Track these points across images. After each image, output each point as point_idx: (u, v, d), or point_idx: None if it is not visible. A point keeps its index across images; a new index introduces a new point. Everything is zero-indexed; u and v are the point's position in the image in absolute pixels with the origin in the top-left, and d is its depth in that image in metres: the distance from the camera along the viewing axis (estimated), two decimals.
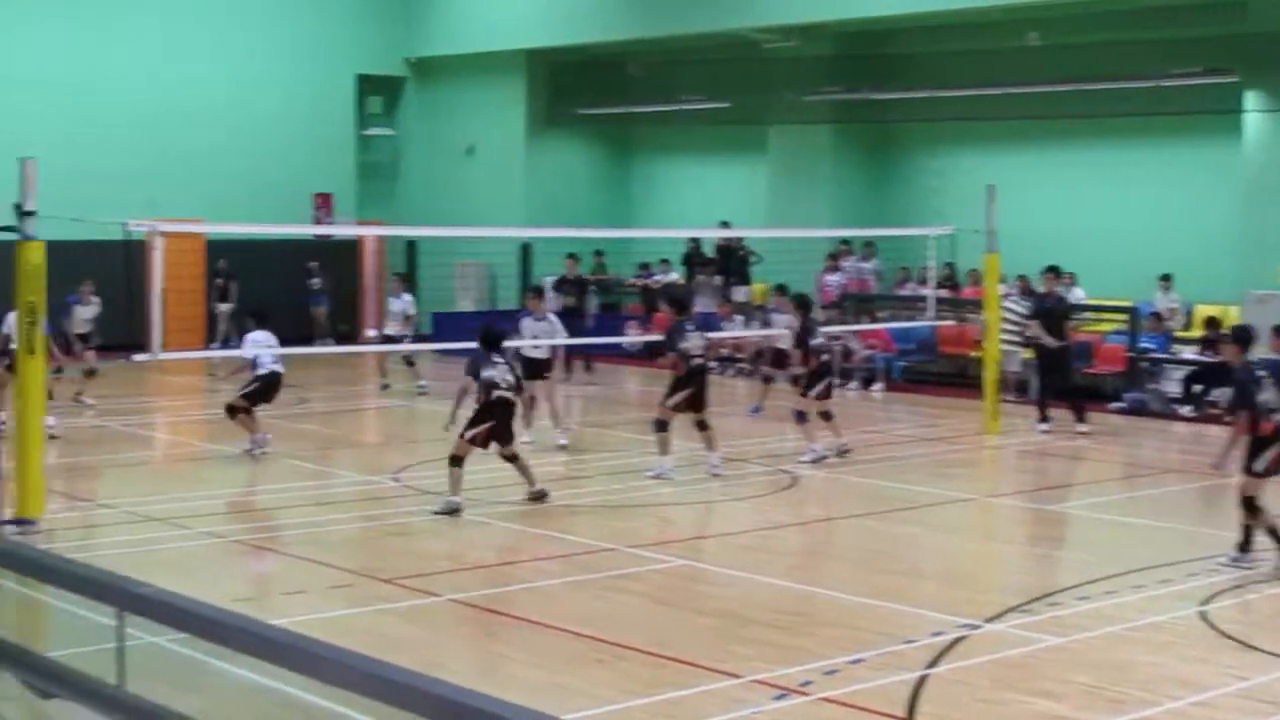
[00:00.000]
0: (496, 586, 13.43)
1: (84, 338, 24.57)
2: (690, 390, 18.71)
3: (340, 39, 37.23)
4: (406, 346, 26.97)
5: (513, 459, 16.68)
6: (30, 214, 14.71)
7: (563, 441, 21.22)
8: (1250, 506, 14.08)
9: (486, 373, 16.21)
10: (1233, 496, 14.60)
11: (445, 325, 33.48)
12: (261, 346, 20.09)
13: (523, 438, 21.39)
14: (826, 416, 20.41)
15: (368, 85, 38.61)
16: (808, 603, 12.96)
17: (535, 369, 21.00)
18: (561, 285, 30.74)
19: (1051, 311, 23.64)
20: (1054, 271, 24.00)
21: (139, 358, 17.55)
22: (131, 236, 17.02)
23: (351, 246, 37.53)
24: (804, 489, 18.48)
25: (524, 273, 35.28)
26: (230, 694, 9.99)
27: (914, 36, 32.35)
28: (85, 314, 24.74)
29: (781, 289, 25.10)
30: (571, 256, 31.01)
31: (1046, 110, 29.93)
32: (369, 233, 37.28)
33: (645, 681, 10.62)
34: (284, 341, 21.12)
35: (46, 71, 32.74)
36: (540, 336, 21.46)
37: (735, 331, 29.91)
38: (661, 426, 18.68)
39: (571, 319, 29.04)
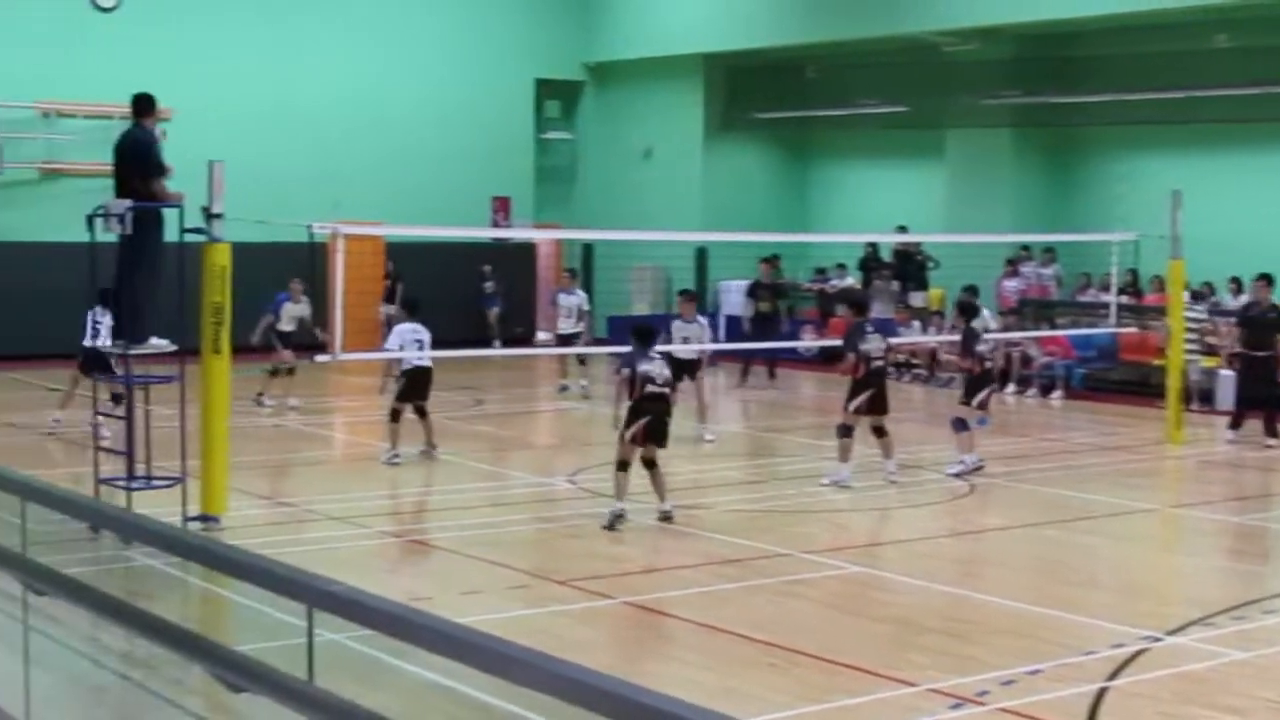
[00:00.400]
0: (670, 589, 13.45)
1: (285, 336, 24.62)
2: (871, 392, 18.50)
3: (519, 44, 37.54)
4: (578, 349, 26.81)
5: (651, 465, 16.11)
6: (217, 216, 14.98)
7: (709, 438, 21.39)
8: None
9: (642, 367, 15.92)
10: None
11: (620, 328, 33.63)
12: (406, 338, 19.74)
13: (705, 436, 21.59)
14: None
15: (546, 89, 38.92)
16: (984, 611, 12.84)
17: (683, 369, 21.11)
18: (756, 290, 30.49)
19: (1257, 320, 23.14)
20: (1265, 279, 23.42)
21: (321, 358, 17.83)
22: (315, 239, 17.29)
23: (528, 250, 37.83)
24: (981, 497, 18.30)
25: (700, 276, 35.33)
26: (412, 692, 10.11)
27: (1097, 39, 31.91)
28: (294, 311, 24.68)
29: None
30: (767, 261, 30.74)
31: (1234, 114, 29.40)
32: (545, 236, 37.58)
33: (819, 687, 10.59)
34: (457, 344, 21.20)
35: (235, 76, 33.39)
36: (690, 339, 21.77)
37: (912, 337, 29.73)
38: (846, 432, 18.47)
39: (767, 324, 29.03)
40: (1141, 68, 30.58)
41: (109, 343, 20.28)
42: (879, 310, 30.36)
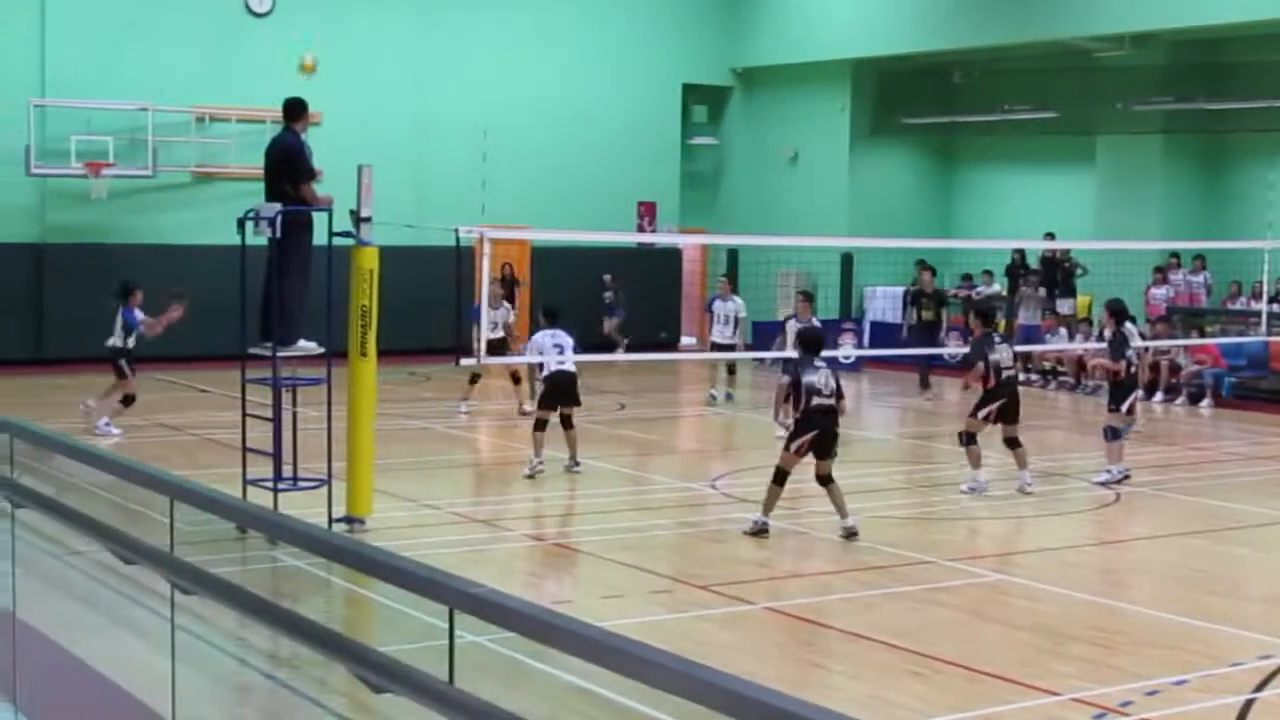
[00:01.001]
0: (812, 595, 13.44)
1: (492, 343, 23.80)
2: (1001, 402, 18.23)
3: (667, 49, 37.62)
4: (727, 355, 26.50)
5: (827, 481, 15.64)
6: (365, 220, 15.17)
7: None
8: None
9: (808, 378, 15.45)
10: None
11: (766, 334, 33.58)
12: (545, 344, 19.30)
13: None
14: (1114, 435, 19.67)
15: (693, 94, 38.98)
16: (1128, 621, 12.71)
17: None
18: (918, 298, 30.21)
19: None
20: None
21: (465, 362, 17.99)
22: (462, 243, 17.44)
23: (673, 255, 37.90)
24: (1127, 505, 18.10)
25: (845, 282, 35.21)
26: (553, 695, 10.19)
27: (1250, 44, 31.43)
28: (494, 317, 23.59)
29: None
30: (928, 269, 30.38)
31: None
32: (690, 241, 37.64)
33: (962, 695, 10.55)
34: (589, 348, 20.82)
35: (385, 81, 33.74)
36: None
37: (1059, 345, 29.47)
38: (969, 439, 18.28)
39: (928, 333, 28.81)
40: None
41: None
42: (1026, 317, 30.11)
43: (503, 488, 18.72)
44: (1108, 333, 20.37)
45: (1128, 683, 10.74)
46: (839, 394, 15.72)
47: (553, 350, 19.27)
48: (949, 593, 13.58)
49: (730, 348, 26.30)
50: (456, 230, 17.07)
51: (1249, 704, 10.35)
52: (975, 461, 18.26)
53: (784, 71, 37.84)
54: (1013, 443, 18.43)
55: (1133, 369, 19.89)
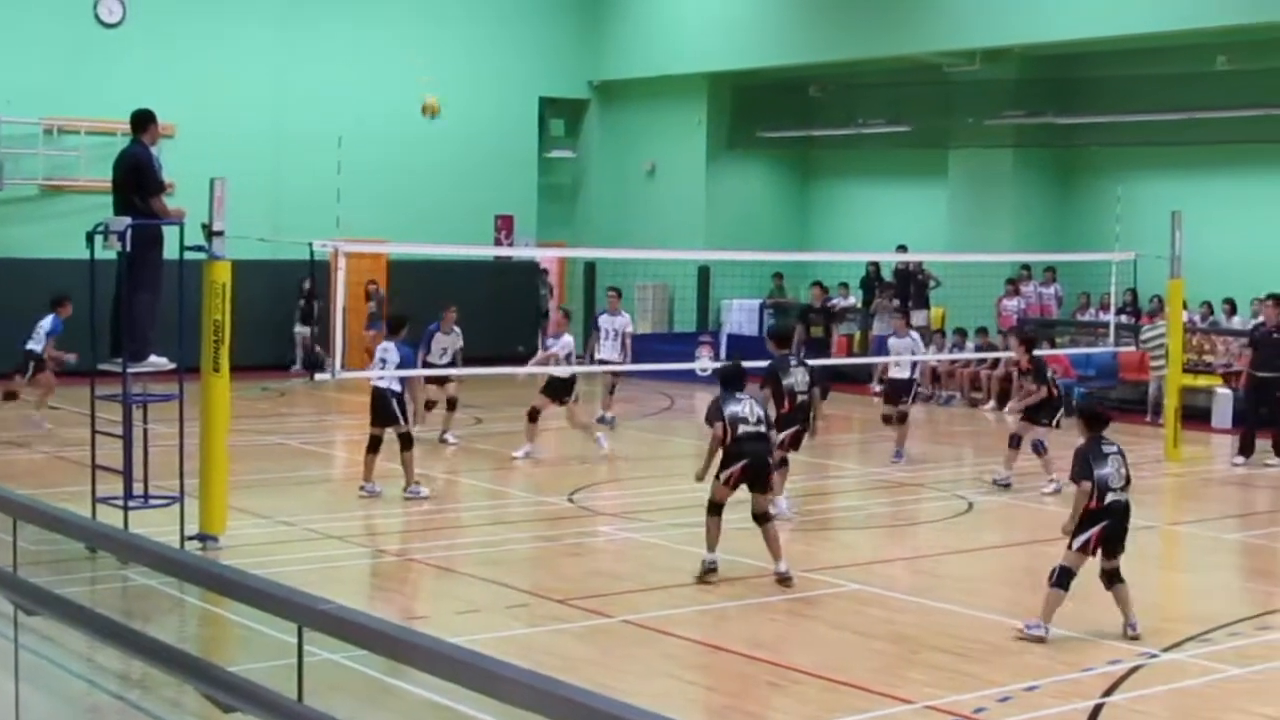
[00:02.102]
0: (671, 608, 13.44)
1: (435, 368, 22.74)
2: (796, 428, 17.37)
3: (524, 62, 37.58)
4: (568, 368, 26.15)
5: (764, 520, 14.57)
6: (218, 234, 14.99)
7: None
8: None
9: (729, 409, 14.44)
10: None
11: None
12: (388, 360, 18.78)
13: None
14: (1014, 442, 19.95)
15: (550, 108, 38.98)
16: (982, 629, 12.83)
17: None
18: (808, 314, 29.93)
19: (1265, 341, 23.16)
20: (1276, 299, 23.40)
21: (319, 376, 17.82)
22: (317, 256, 17.29)
23: (530, 268, 37.83)
24: (980, 515, 18.31)
25: (702, 295, 35.34)
26: (410, 712, 10.12)
27: (1099, 60, 31.98)
28: (444, 343, 23.07)
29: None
30: (819, 285, 30.21)
31: (1234, 135, 29.46)
32: (548, 254, 37.56)
33: (819, 705, 10.60)
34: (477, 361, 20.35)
35: (239, 93, 33.38)
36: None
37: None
38: (782, 463, 17.25)
39: (817, 351, 28.38)
40: (1142, 89, 30.64)
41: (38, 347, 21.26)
42: (880, 329, 30.38)
43: (359, 503, 18.55)
44: (1024, 361, 20.55)
45: (981, 689, 10.85)
46: (768, 422, 14.92)
47: (378, 365, 19.02)
48: (807, 603, 13.66)
49: (613, 363, 25.26)
50: (311, 244, 16.91)
51: (1099, 708, 10.50)
52: (776, 487, 16.91)
53: (641, 85, 37.95)
54: (781, 463, 17.32)
55: (1056, 388, 20.37)
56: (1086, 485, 12.46)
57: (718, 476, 14.49)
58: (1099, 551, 12.47)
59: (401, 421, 18.55)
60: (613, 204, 38.71)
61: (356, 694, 10.15)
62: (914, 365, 22.98)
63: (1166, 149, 31.10)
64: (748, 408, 14.57)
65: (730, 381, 14.86)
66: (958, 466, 22.78)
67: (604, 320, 25.60)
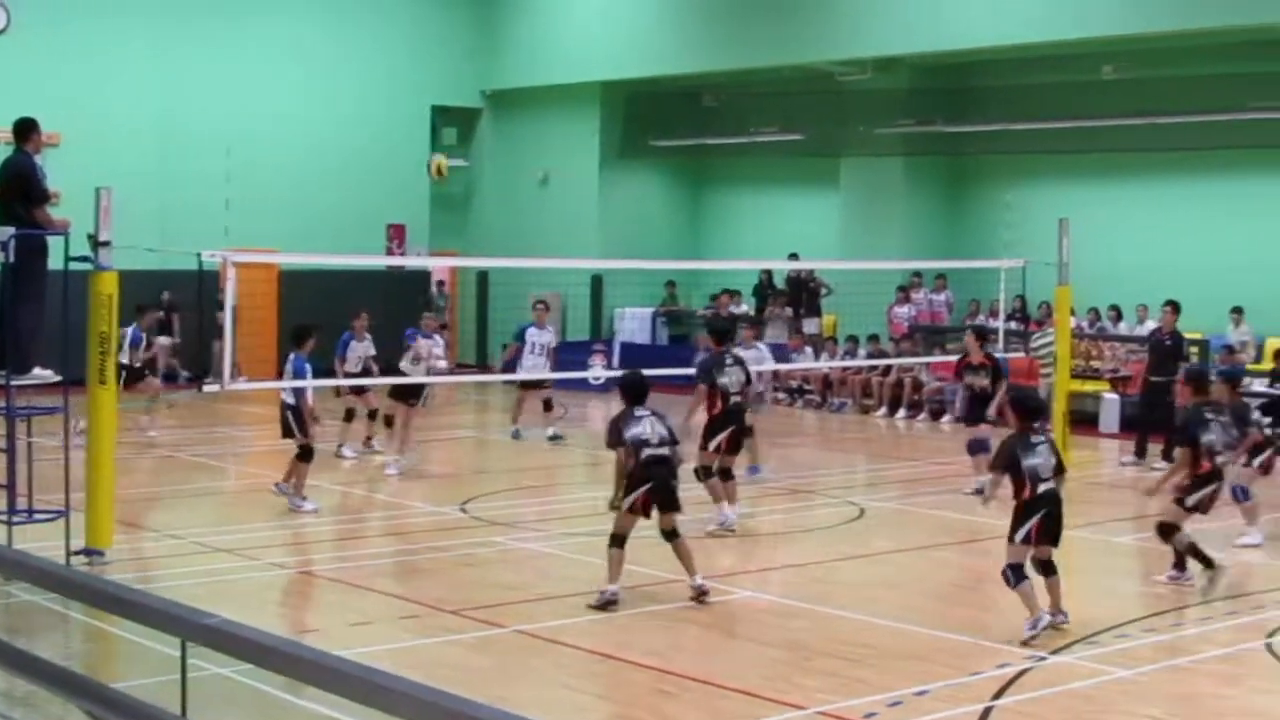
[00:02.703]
0: (563, 618, 13.40)
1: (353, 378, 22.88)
2: (731, 430, 17.25)
3: (416, 70, 37.47)
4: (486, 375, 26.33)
5: (672, 536, 14.08)
6: (105, 244, 14.82)
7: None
8: (1167, 530, 14.67)
9: (630, 431, 13.73)
10: None
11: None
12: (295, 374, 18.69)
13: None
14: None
15: (443, 116, 38.86)
16: (874, 634, 12.90)
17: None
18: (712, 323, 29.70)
19: (1160, 347, 23.53)
20: (1172, 306, 23.74)
21: (209, 388, 17.65)
22: (206, 267, 17.13)
23: (422, 278, 37.64)
24: (873, 521, 18.41)
25: (595, 304, 35.36)
26: None
27: (989, 70, 32.32)
28: (358, 350, 22.96)
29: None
30: (727, 293, 30.15)
31: (1121, 143, 29.84)
32: (440, 263, 37.39)
33: (710, 712, 10.62)
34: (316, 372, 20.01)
35: (125, 102, 33.07)
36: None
37: (805, 363, 29.93)
38: (706, 474, 17.22)
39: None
40: (1031, 98, 31.00)
41: None
42: (773, 336, 30.52)
43: (250, 516, 18.39)
44: (977, 357, 20.69)
45: (872, 694, 10.91)
46: (672, 438, 13.99)
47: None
48: (699, 611, 13.66)
49: (540, 383, 24.77)
50: (200, 254, 16.75)
51: (988, 711, 10.59)
52: (717, 495, 17.21)
53: (534, 94, 37.91)
54: (725, 474, 17.33)
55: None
56: (998, 476, 12.99)
57: (620, 506, 13.82)
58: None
59: (296, 434, 18.47)
60: (506, 213, 38.63)
61: (247, 709, 10.07)
62: (759, 375, 21.83)
63: (1055, 157, 31.45)
64: (649, 427, 13.80)
65: (632, 392, 14.27)
66: (849, 473, 22.89)
67: (531, 334, 24.95)
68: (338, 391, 23.48)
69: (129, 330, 23.17)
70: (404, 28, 37.50)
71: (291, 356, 18.78)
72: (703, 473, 17.18)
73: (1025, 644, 12.27)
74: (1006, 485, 12.89)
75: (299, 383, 18.57)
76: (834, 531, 17.76)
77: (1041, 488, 12.64)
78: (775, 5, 32.84)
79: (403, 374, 21.99)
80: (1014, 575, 12.60)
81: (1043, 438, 12.87)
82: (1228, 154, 28.76)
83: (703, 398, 17.14)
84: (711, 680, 11.29)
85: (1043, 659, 11.96)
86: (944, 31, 30.43)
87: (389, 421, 22.37)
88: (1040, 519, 12.66)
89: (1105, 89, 30.06)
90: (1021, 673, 11.56)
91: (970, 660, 11.94)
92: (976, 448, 19.65)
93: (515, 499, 19.94)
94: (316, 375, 19.22)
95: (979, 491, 18.01)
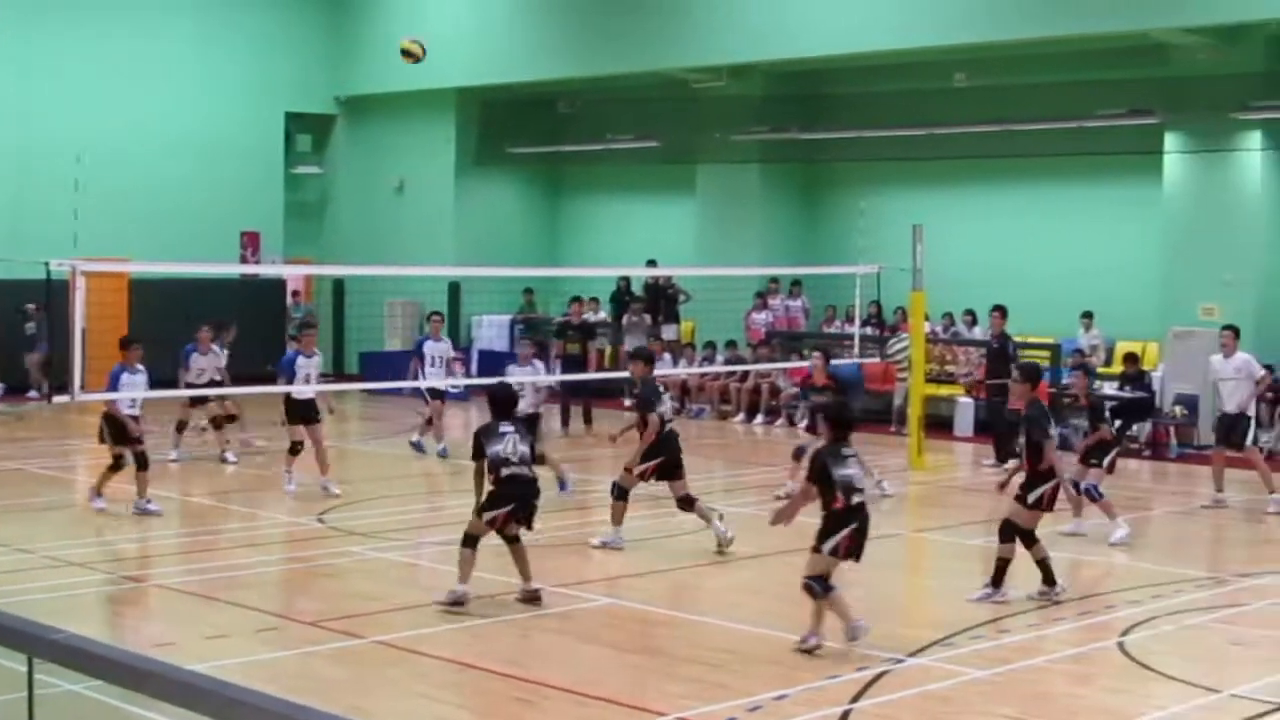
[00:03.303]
0: (422, 627, 13.32)
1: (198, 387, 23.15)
2: (661, 459, 16.85)
3: (269, 76, 37.16)
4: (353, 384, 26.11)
5: (513, 541, 14.05)
6: None
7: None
8: (1016, 534, 14.47)
9: (491, 449, 13.63)
10: (1154, 531, 14.74)
11: (373, 364, 33.46)
12: (138, 387, 18.62)
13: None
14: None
15: (296, 123, 38.55)
16: (736, 639, 12.94)
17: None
18: (565, 331, 29.54)
19: (993, 350, 23.88)
20: (1000, 310, 24.11)
21: (58, 399, 17.37)
22: (54, 275, 16.86)
23: (276, 285, 37.30)
24: (735, 526, 18.41)
25: (453, 311, 35.20)
26: None
27: (842, 77, 32.57)
28: (200, 363, 23.13)
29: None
30: (578, 300, 30.14)
31: (973, 150, 30.17)
32: (295, 271, 37.05)
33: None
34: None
35: None
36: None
37: (664, 370, 29.98)
38: (621, 494, 16.99)
39: (575, 367, 28.15)
40: (884, 106, 31.28)
41: None
42: (631, 344, 30.55)
43: (102, 529, 18.12)
44: (821, 379, 20.88)
45: (732, 699, 10.94)
46: (533, 458, 14.00)
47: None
48: (560, 619, 13.65)
49: (441, 393, 24.65)
50: (48, 263, 16.48)
51: (846, 714, 10.65)
52: (618, 518, 17.02)
53: (389, 100, 37.71)
54: (686, 502, 17.04)
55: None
56: (807, 487, 12.81)
57: (480, 513, 13.81)
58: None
59: (109, 443, 18.57)
60: (361, 220, 38.40)
61: None
62: (536, 390, 22.05)
63: (908, 164, 31.77)
64: (510, 445, 13.64)
65: (499, 405, 14.16)
66: (708, 478, 22.94)
67: (429, 347, 24.54)
68: (190, 402, 23.42)
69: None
70: (256, 33, 37.16)
71: (118, 366, 18.63)
72: (616, 490, 16.99)
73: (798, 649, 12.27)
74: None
75: (155, 393, 18.46)
76: (695, 537, 17.77)
77: (856, 499, 12.51)
78: (630, 12, 32.93)
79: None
80: (820, 586, 12.42)
81: (853, 449, 12.78)
82: (1078, 160, 29.19)
83: (648, 427, 16.80)
84: (572, 688, 11.27)
85: (900, 661, 12.06)
86: (796, 39, 30.61)
87: (217, 424, 23.31)
88: (851, 533, 12.51)
89: (957, 96, 30.41)
90: (880, 675, 11.65)
91: (829, 664, 12.01)
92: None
93: (373, 509, 19.80)
94: (154, 385, 19.08)
95: (789, 496, 17.90)
